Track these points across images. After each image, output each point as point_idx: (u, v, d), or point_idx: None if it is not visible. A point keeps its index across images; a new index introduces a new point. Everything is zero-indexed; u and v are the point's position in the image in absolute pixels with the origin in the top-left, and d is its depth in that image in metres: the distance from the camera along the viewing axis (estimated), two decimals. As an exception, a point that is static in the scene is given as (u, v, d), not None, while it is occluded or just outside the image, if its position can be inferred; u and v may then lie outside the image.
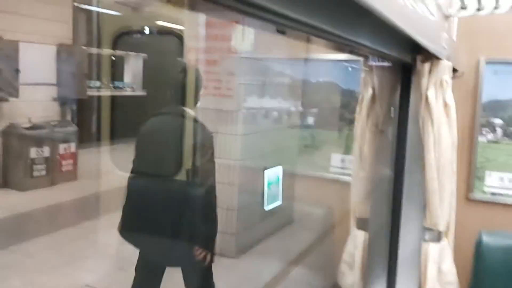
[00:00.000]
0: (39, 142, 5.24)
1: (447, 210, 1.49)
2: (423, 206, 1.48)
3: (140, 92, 8.49)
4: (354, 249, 1.70)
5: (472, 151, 2.76)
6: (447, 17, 1.71)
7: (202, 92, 2.56)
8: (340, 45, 1.13)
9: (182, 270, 2.54)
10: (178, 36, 7.50)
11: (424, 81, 1.36)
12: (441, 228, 1.48)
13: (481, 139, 2.76)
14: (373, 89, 1.55)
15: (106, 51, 7.57)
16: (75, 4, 6.32)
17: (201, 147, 2.37)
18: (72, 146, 5.64)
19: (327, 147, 3.63)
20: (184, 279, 2.53)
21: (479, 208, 2.74)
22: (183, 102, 2.43)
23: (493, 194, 2.75)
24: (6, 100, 5.13)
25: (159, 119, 2.57)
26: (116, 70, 8.42)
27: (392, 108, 1.57)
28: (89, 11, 6.87)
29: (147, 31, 8.45)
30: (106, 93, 7.46)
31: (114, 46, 8.04)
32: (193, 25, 4.08)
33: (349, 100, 3.44)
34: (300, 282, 3.72)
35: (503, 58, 2.69)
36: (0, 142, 5.17)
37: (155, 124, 2.56)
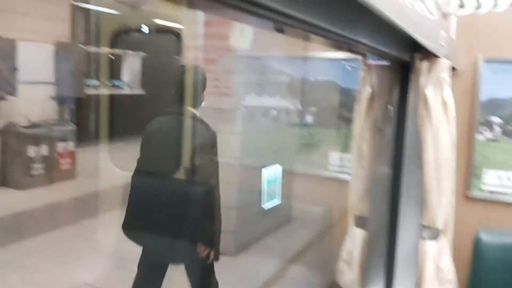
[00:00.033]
0: (37, 140, 5.23)
1: (445, 208, 1.49)
2: (422, 204, 1.49)
3: (138, 91, 8.48)
4: (353, 247, 1.70)
5: (470, 149, 2.76)
6: (445, 15, 1.71)
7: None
8: (339, 43, 1.13)
9: (185, 268, 2.56)
10: (177, 35, 7.49)
11: (423, 79, 1.37)
12: (439, 226, 1.49)
13: (479, 137, 2.76)
14: (372, 87, 1.56)
15: (104, 49, 7.55)
16: (73, 2, 6.30)
17: (205, 146, 2.43)
18: (71, 145, 5.64)
19: (326, 145, 3.63)
20: (188, 277, 2.56)
21: (477, 206, 2.75)
22: (187, 102, 2.48)
23: (491, 192, 2.76)
24: (4, 98, 5.12)
25: (165, 119, 2.61)
26: (114, 69, 8.40)
27: (390, 107, 1.57)
28: (87, 10, 6.85)
29: (145, 29, 8.44)
30: (104, 92, 7.44)
31: (112, 44, 8.03)
32: (191, 24, 4.08)
33: (347, 98, 3.44)
34: (299, 280, 3.72)
35: (501, 57, 2.69)
36: (-1, 141, 5.16)
37: (160, 124, 2.61)
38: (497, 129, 2.75)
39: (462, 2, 1.68)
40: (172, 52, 8.02)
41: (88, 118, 6.92)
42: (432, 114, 1.37)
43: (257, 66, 4.22)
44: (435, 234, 1.50)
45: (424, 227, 1.49)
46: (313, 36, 0.82)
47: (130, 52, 8.37)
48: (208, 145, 2.43)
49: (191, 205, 2.38)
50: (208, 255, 2.39)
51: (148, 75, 8.66)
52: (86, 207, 4.82)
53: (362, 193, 1.66)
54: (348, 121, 3.37)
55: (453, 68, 1.66)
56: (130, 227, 2.48)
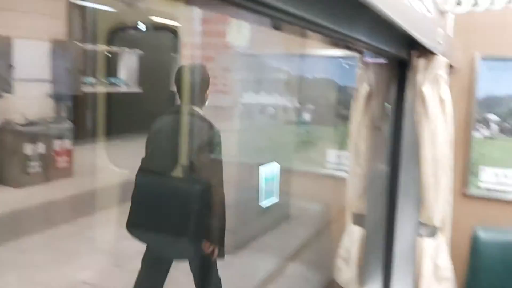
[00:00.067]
0: (34, 138, 5.22)
1: (443, 206, 1.49)
2: (419, 202, 1.49)
3: (135, 89, 8.46)
4: (350, 245, 1.70)
5: (467, 147, 2.77)
6: (443, 13, 1.71)
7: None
8: (337, 40, 1.13)
9: (189, 264, 2.60)
10: (174, 32, 7.47)
11: (420, 77, 1.36)
12: (437, 223, 1.49)
13: (476, 135, 2.77)
14: (369, 85, 1.55)
15: (101, 47, 7.53)
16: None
17: (210, 145, 2.48)
18: (67, 143, 5.62)
19: (323, 143, 3.63)
20: (193, 273, 2.60)
21: (474, 203, 2.75)
22: (192, 101, 2.52)
23: (488, 190, 2.77)
24: (0, 96, 5.10)
25: (170, 118, 2.65)
26: (111, 67, 8.38)
27: (387, 105, 1.57)
28: (84, 7, 6.83)
29: (142, 27, 8.41)
30: (101, 89, 7.42)
31: (109, 42, 8.00)
32: (188, 21, 4.06)
33: (345, 96, 3.44)
34: (297, 278, 3.73)
35: (498, 54, 2.69)
36: (-5, 139, 5.14)
37: (165, 123, 2.64)
38: (494, 127, 2.75)
39: (459, 0, 1.68)
40: (169, 50, 8.00)
41: (85, 116, 6.90)
42: (429, 112, 1.37)
43: (254, 63, 4.21)
44: (432, 232, 1.50)
45: (421, 224, 1.50)
46: (310, 33, 0.82)
47: (126, 49, 8.35)
48: (213, 144, 2.48)
49: (196, 203, 2.41)
50: (212, 252, 2.43)
51: (145, 73, 8.64)
52: (83, 205, 4.82)
53: (360, 190, 1.67)
54: (345, 118, 3.37)
55: (450, 66, 1.66)
56: (135, 226, 2.50)
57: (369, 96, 1.57)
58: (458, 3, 1.85)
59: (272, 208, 4.23)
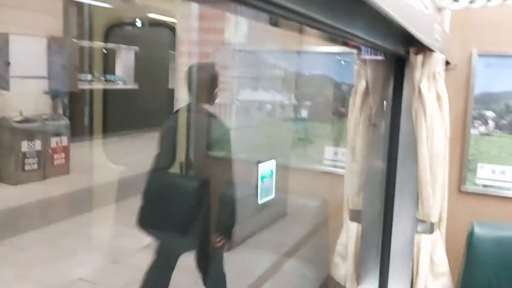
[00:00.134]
0: (30, 135, 5.20)
1: (439, 202, 1.50)
2: (416, 198, 1.49)
3: (132, 86, 8.44)
4: (348, 241, 1.71)
5: (464, 143, 2.78)
6: (440, 9, 1.71)
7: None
8: (334, 36, 1.13)
9: (196, 259, 2.66)
10: (171, 28, 7.45)
11: (417, 73, 1.36)
12: (434, 219, 1.49)
13: (473, 131, 2.78)
14: (367, 82, 1.55)
15: (98, 44, 7.50)
16: (66, -4, 6.25)
17: (221, 142, 2.56)
18: (64, 140, 5.61)
19: (321, 140, 3.63)
20: (198, 268, 2.65)
21: (471, 200, 2.77)
22: (202, 99, 2.58)
23: (484, 186, 2.78)
24: (-3, 93, 5.08)
25: (181, 116, 2.68)
26: (108, 63, 8.36)
27: (385, 102, 1.57)
28: (80, 3, 6.80)
29: (139, 23, 8.39)
30: (97, 86, 7.40)
31: (106, 38, 7.97)
32: (185, 17, 4.05)
33: (342, 93, 3.44)
34: (294, 274, 3.74)
35: (495, 51, 2.70)
36: (-9, 136, 5.12)
37: (177, 121, 2.68)
38: (491, 123, 2.76)
39: (457, -4, 1.68)
40: (166, 46, 7.98)
41: (81, 112, 6.89)
42: (427, 108, 1.37)
43: (251, 60, 4.20)
44: (429, 228, 1.51)
45: (418, 221, 1.50)
46: (308, 29, 0.81)
47: (123, 46, 8.32)
48: (224, 141, 2.57)
49: (207, 200, 2.49)
50: (221, 245, 2.52)
51: (142, 69, 8.62)
52: (80, 202, 4.81)
53: (357, 187, 1.67)
54: (342, 115, 3.38)
55: (448, 62, 1.66)
56: (147, 222, 2.55)
57: (367, 93, 1.57)
58: (455, 0, 1.85)
59: (269, 204, 4.23)
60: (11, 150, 5.07)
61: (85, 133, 6.50)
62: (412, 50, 1.36)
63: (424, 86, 1.37)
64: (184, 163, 2.57)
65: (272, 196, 4.19)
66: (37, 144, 5.26)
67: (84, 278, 3.55)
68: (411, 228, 1.52)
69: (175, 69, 4.30)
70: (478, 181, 2.79)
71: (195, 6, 3.73)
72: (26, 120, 5.24)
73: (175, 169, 2.59)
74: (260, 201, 4.10)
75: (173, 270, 2.69)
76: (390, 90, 1.53)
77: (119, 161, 5.51)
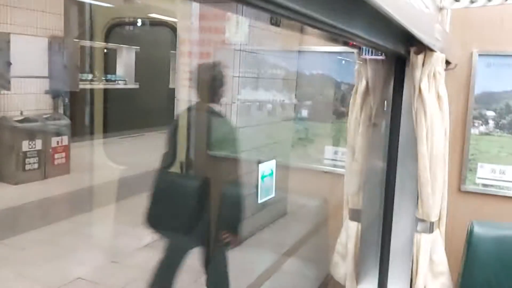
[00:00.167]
0: (31, 135, 5.21)
1: (439, 201, 1.50)
2: (416, 198, 1.50)
3: (132, 85, 8.44)
4: (347, 240, 1.71)
5: (464, 143, 2.78)
6: (440, 9, 1.71)
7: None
8: (335, 36, 1.13)
9: (203, 259, 2.70)
10: (172, 28, 7.45)
11: (418, 73, 1.37)
12: (433, 219, 1.50)
13: (473, 131, 2.78)
14: (367, 81, 1.56)
15: (98, 43, 7.51)
16: (67, -5, 6.25)
17: (228, 140, 2.61)
18: (65, 139, 5.61)
19: (321, 139, 3.63)
20: (204, 266, 2.70)
21: (471, 199, 2.77)
22: (209, 98, 2.61)
23: (484, 185, 2.78)
24: (-3, 92, 5.09)
25: (188, 115, 2.73)
26: (109, 63, 8.36)
27: (385, 101, 1.58)
28: (81, 3, 6.80)
29: (139, 23, 8.39)
30: (98, 86, 7.41)
31: (107, 38, 7.98)
32: (186, 17, 4.05)
33: (343, 93, 3.44)
34: (293, 273, 3.74)
35: (496, 50, 2.70)
36: (-8, 135, 5.13)
37: (184, 120, 2.72)
38: (491, 123, 2.76)
39: (457, -4, 1.68)
40: (167, 46, 7.98)
41: (82, 112, 6.89)
42: (427, 107, 1.38)
43: (252, 59, 4.21)
44: (429, 227, 1.51)
45: (418, 220, 1.50)
46: (308, 29, 0.82)
47: (124, 46, 8.33)
48: (231, 140, 2.61)
49: (215, 197, 2.53)
50: (229, 241, 2.57)
51: (142, 69, 8.62)
52: (81, 202, 4.81)
53: (357, 186, 1.67)
54: (343, 115, 3.38)
55: (448, 62, 1.66)
56: (155, 221, 2.58)
57: (367, 93, 1.57)
58: None
59: (269, 204, 4.24)
60: (11, 149, 5.07)
61: (86, 133, 6.50)
62: (412, 49, 1.36)
63: (425, 85, 1.37)
64: (186, 162, 2.60)
65: (272, 195, 4.20)
66: (38, 144, 5.27)
67: (84, 277, 3.55)
68: (410, 227, 1.52)
69: (176, 69, 4.30)
70: (478, 181, 2.79)
71: (196, 6, 3.73)
72: (27, 120, 5.24)
73: (183, 167, 2.64)
74: (260, 201, 4.11)
75: (180, 267, 2.71)
76: (391, 89, 1.53)
77: (120, 160, 5.52)
